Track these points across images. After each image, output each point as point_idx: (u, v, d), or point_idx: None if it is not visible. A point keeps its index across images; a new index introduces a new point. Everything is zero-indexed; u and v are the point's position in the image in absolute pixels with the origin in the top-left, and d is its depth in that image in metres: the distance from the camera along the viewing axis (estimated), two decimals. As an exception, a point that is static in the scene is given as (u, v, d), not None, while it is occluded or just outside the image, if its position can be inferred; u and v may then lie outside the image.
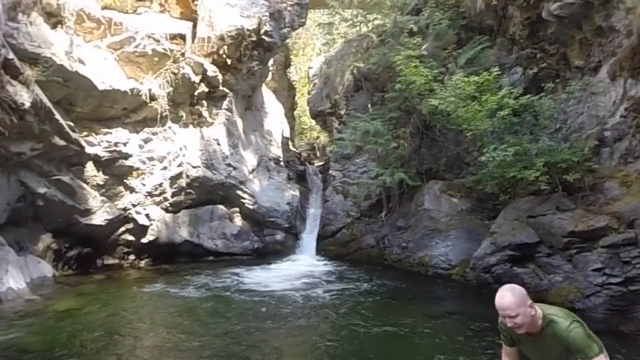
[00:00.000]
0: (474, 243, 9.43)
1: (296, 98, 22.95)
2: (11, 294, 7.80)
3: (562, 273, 7.52)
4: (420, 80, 10.38)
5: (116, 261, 11.62)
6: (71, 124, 9.41)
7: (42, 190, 9.33)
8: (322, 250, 13.27)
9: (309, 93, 18.20)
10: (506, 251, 8.46)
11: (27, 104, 7.78)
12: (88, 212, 10.38)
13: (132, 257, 11.91)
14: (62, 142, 9.09)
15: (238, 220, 13.22)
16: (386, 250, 11.83)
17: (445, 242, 10.20)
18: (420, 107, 10.97)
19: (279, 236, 13.58)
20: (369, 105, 13.69)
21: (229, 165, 12.80)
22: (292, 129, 20.09)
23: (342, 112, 14.79)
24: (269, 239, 13.50)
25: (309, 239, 13.93)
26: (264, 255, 12.78)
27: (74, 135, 9.39)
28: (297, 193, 14.48)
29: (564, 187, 8.14)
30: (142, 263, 11.87)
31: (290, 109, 20.67)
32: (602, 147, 8.31)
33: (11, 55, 7.62)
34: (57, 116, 8.71)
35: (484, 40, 10.95)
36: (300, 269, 11.10)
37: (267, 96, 16.23)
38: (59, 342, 5.67)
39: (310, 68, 18.27)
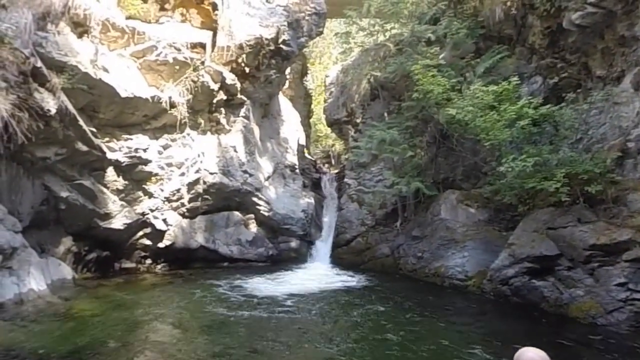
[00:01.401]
0: (491, 254, 9.27)
1: (312, 106, 23.10)
2: (32, 295, 7.99)
3: (584, 287, 7.33)
4: (438, 89, 10.34)
5: (133, 265, 11.81)
6: (94, 130, 9.67)
7: (64, 194, 9.57)
8: (337, 258, 13.23)
9: (325, 101, 18.29)
10: (525, 263, 8.29)
11: (53, 111, 8.03)
12: (107, 216, 10.60)
13: (148, 261, 12.09)
14: (85, 148, 9.34)
15: (253, 227, 13.30)
16: (401, 260, 11.72)
17: (462, 253, 10.05)
18: (437, 116, 10.91)
19: (294, 243, 13.60)
20: (386, 114, 13.67)
21: (245, 172, 12.91)
22: (307, 136, 20.20)
23: (358, 121, 14.81)
24: (284, 246, 13.53)
25: (323, 247, 13.91)
26: (279, 262, 12.80)
27: (96, 141, 9.64)
28: (312, 201, 14.51)
29: (586, 198, 7.96)
30: (159, 267, 12.03)
31: (306, 116, 20.80)
32: (625, 159, 8.12)
33: (39, 64, 7.90)
34: (81, 122, 8.96)
35: (503, 50, 10.86)
36: (314, 277, 11.07)
37: (284, 104, 16.38)
38: (77, 345, 5.76)
39: (327, 76, 18.39)
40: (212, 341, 6.05)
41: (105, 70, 9.51)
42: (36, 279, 8.32)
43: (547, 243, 8.05)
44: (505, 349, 5.74)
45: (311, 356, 5.67)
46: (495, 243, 9.63)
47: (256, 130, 13.73)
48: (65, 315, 7.21)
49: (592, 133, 8.92)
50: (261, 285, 9.91)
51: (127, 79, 10.05)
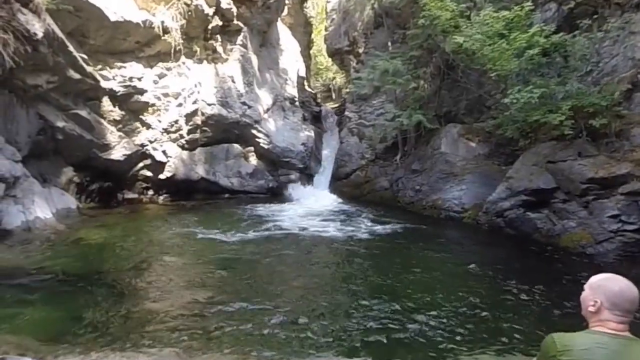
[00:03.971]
0: (489, 188, 9.37)
1: (313, 35, 22.04)
2: (39, 223, 8.18)
3: (577, 219, 7.49)
4: (446, 15, 9.77)
5: (136, 196, 12.02)
6: (84, 56, 9.28)
7: (60, 124, 9.44)
8: (336, 191, 13.42)
9: (326, 30, 17.43)
10: (521, 196, 8.41)
11: (40, 34, 7.63)
12: (106, 147, 10.55)
13: (150, 192, 12.28)
14: (77, 76, 9.03)
15: (253, 160, 13.33)
16: (399, 193, 11.90)
17: (460, 186, 10.16)
18: (443, 45, 10.43)
19: (293, 176, 13.73)
20: (389, 44, 13.09)
21: (244, 103, 12.65)
22: (307, 68, 19.51)
23: (360, 51, 14.22)
24: (284, 178, 13.67)
25: (323, 180, 14.07)
26: (279, 195, 13.02)
27: (88, 68, 9.29)
28: (312, 134, 14.39)
29: (589, 132, 7.87)
30: (161, 198, 12.25)
31: (306, 47, 19.93)
32: (634, 92, 7.89)
33: (20, -19, 7.35)
34: (71, 48, 8.57)
35: (518, -29, 10.09)
36: (314, 208, 11.30)
37: (283, 32, 15.62)
38: (90, 267, 6.01)
39: (328, 2, 17.34)
40: (215, 264, 6.30)
41: (92, -10, 8.90)
42: (41, 207, 8.46)
43: (545, 176, 8.10)
44: (496, 272, 6.02)
45: (313, 274, 5.95)
46: (493, 177, 9.70)
47: (254, 60, 13.23)
48: (73, 241, 7.45)
49: (603, 65, 8.58)
50: (259, 215, 10.14)
51: (115, 2, 9.45)
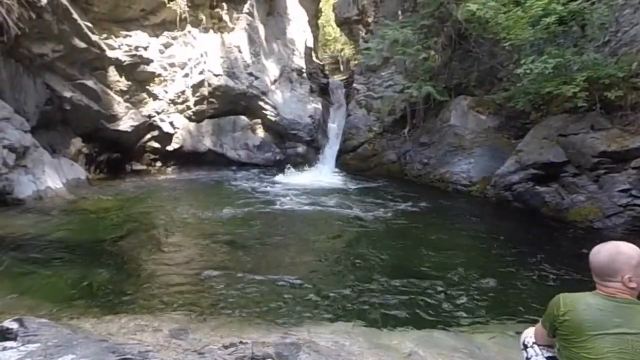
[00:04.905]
0: (498, 161, 9.28)
1: (321, 4, 21.45)
2: (50, 192, 8.31)
3: (586, 193, 7.42)
4: (459, -19, 9.42)
5: (144, 167, 12.10)
6: (89, 24, 9.15)
7: (67, 94, 9.43)
8: (342, 164, 13.39)
9: (334, -2, 16.93)
10: (530, 170, 8.32)
11: (44, 0, 7.51)
12: (114, 118, 10.56)
13: (159, 163, 12.35)
14: (82, 44, 8.94)
15: (260, 132, 13.28)
16: (407, 166, 11.84)
17: (468, 159, 10.07)
18: (456, 13, 10.10)
19: (300, 149, 13.68)
20: (400, 12, 12.71)
21: (250, 74, 12.49)
22: (315, 38, 19.08)
23: (370, 20, 13.85)
24: (291, 151, 13.63)
25: (329, 152, 14.01)
26: (285, 167, 13.00)
27: (93, 37, 9.19)
28: (319, 106, 14.23)
29: (603, 105, 7.67)
30: (169, 170, 12.33)
31: (314, 16, 19.41)
32: (653, 63, 7.62)
33: (21, -55, 7.19)
34: (75, 15, 8.45)
35: None
36: (320, 182, 11.31)
37: (290, 1, 15.19)
38: (101, 235, 6.11)
39: (337, -31, 16.77)
40: (221, 238, 6.38)
41: (94, -45, 8.69)
42: (52, 177, 8.58)
43: (556, 150, 7.98)
44: (502, 245, 6.04)
45: (320, 246, 6.03)
46: (502, 150, 9.58)
47: (261, 29, 12.95)
48: (84, 210, 7.58)
49: (622, 35, 8.26)
50: (268, 186, 10.19)
51: (119, -33, 9.23)
